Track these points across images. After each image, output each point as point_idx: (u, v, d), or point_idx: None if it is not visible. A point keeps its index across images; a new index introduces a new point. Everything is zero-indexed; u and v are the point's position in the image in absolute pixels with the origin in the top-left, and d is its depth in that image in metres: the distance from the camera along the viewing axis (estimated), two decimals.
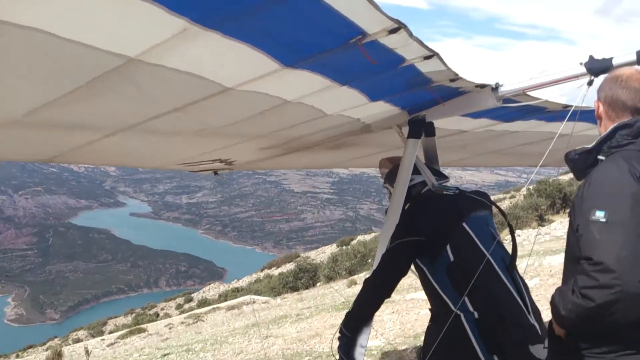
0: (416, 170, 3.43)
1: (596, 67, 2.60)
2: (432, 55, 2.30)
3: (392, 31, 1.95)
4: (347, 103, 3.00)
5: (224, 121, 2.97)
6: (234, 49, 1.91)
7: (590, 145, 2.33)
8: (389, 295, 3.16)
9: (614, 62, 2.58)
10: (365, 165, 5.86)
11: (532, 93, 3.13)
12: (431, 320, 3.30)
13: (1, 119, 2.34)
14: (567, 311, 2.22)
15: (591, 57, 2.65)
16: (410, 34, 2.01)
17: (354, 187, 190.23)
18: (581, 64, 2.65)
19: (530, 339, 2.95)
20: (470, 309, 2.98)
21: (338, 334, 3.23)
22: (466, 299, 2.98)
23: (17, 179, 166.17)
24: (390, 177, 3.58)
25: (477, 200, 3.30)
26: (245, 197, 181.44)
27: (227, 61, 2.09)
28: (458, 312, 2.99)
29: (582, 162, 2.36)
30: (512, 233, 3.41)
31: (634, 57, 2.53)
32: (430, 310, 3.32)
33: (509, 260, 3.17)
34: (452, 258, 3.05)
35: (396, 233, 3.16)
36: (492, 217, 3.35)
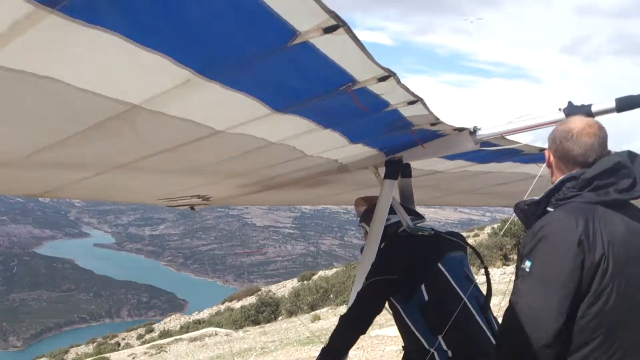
0: (392, 210, 3.49)
1: (575, 113, 2.59)
2: (416, 100, 2.38)
3: (382, 79, 2.01)
4: (328, 145, 3.06)
5: (209, 160, 3.01)
6: (230, 97, 1.96)
7: (538, 197, 2.36)
8: (364, 332, 3.21)
9: (593, 109, 2.58)
10: (339, 202, 5.91)
11: (510, 137, 3.19)
12: (404, 358, 3.35)
13: (4, 160, 2.36)
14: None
15: (570, 103, 2.66)
16: (398, 81, 2.08)
17: (316, 222, 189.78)
18: (560, 109, 2.68)
19: None
20: (444, 347, 3.04)
21: None
22: (440, 337, 3.04)
23: None
24: (366, 216, 3.65)
25: (453, 241, 3.38)
26: (207, 230, 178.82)
27: (222, 108, 2.14)
28: (433, 350, 3.06)
29: (531, 213, 2.39)
30: (487, 274, 3.48)
31: (613, 105, 2.56)
32: (403, 347, 3.37)
33: (483, 301, 3.26)
34: (426, 298, 3.12)
35: (372, 271, 3.22)
36: (466, 257, 3.44)
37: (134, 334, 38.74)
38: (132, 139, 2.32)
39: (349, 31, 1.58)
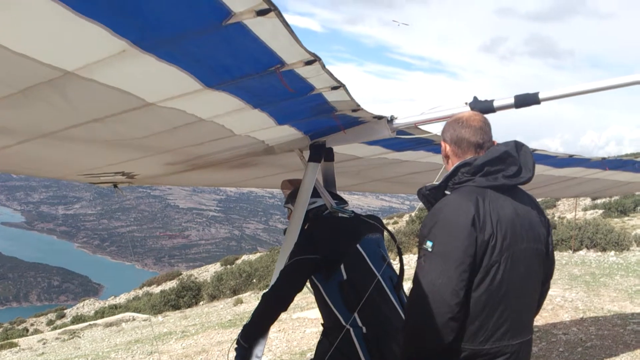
0: (316, 193, 3.63)
1: (479, 107, 2.87)
2: (339, 86, 2.52)
3: (308, 63, 2.13)
4: (256, 125, 3.14)
5: (137, 133, 3.01)
6: (164, 70, 2.01)
7: (437, 184, 2.60)
8: (285, 309, 3.34)
9: (495, 104, 2.86)
10: (265, 185, 5.98)
11: (423, 127, 3.41)
12: (323, 334, 3.51)
13: None
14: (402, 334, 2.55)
15: (475, 98, 2.93)
16: (323, 66, 2.21)
17: (241, 206, 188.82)
18: (466, 103, 2.93)
19: None
20: (359, 324, 3.23)
21: (235, 345, 3.36)
22: (356, 315, 3.22)
23: None
24: (291, 198, 3.76)
25: (371, 224, 3.56)
26: (126, 211, 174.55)
27: (155, 80, 2.18)
28: (348, 327, 3.23)
29: (432, 197, 2.62)
30: (400, 255, 3.69)
31: (512, 101, 2.82)
32: (322, 324, 3.53)
33: (397, 280, 3.46)
34: (345, 276, 3.28)
35: (295, 251, 3.34)
36: (383, 239, 3.63)
37: (43, 319, 37.26)
38: (60, 107, 2.31)
39: (280, 15, 1.69)
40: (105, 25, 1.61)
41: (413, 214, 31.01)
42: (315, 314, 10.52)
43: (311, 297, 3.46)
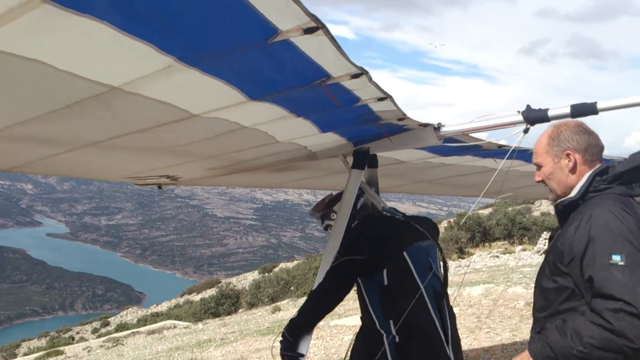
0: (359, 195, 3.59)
1: (532, 116, 2.78)
2: (385, 97, 2.48)
3: (354, 76, 2.11)
4: (299, 132, 3.13)
5: (180, 141, 3.04)
6: (209, 83, 2.02)
7: (575, 196, 2.46)
8: (331, 309, 3.30)
9: (550, 113, 2.75)
10: (306, 187, 6.02)
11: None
12: (359, 330, 3.47)
13: None
14: (590, 346, 2.30)
15: (528, 107, 2.82)
16: (370, 79, 2.18)
17: (277, 214, 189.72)
18: (519, 112, 2.83)
19: None
20: (393, 332, 3.16)
21: (280, 338, 3.32)
22: (391, 322, 3.16)
23: None
24: (331, 205, 3.73)
25: (420, 231, 3.45)
26: (166, 221, 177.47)
27: (200, 93, 2.19)
28: (381, 331, 3.19)
29: (568, 210, 2.50)
30: (444, 264, 3.58)
31: (568, 110, 2.71)
32: (360, 319, 3.46)
33: (440, 291, 3.36)
34: (386, 282, 3.21)
35: (341, 251, 3.30)
36: (434, 246, 3.50)
37: (88, 327, 38.14)
38: (106, 119, 2.35)
39: (327, 33, 1.68)
40: (152, 44, 1.63)
41: (452, 220, 30.71)
42: (352, 321, 10.45)
43: (348, 305, 3.43)
